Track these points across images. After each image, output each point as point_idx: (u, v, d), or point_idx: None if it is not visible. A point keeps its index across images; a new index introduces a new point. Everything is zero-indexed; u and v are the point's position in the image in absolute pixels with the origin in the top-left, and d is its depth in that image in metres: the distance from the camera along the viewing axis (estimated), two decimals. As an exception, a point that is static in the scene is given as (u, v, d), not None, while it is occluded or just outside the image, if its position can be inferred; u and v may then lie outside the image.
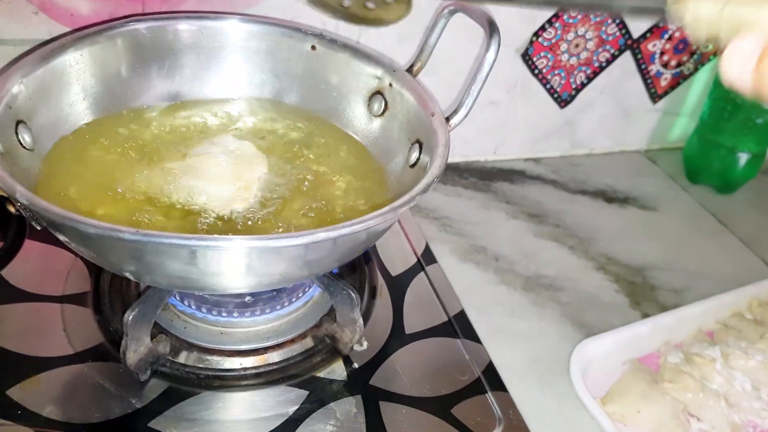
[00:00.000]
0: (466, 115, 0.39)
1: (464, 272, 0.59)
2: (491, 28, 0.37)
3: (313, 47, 0.44)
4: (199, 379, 0.37)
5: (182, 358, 0.38)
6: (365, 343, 0.40)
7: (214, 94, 0.46)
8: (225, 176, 0.40)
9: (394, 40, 0.60)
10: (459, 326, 0.44)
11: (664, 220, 0.71)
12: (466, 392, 0.39)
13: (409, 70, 0.43)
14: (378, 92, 0.43)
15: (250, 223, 0.37)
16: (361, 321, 0.38)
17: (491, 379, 0.41)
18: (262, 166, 0.41)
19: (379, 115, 0.43)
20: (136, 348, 0.34)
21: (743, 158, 0.74)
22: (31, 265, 0.43)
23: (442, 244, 0.61)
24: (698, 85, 0.78)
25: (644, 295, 0.60)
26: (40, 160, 0.37)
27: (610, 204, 0.72)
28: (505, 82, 0.68)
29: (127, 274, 0.31)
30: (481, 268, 0.60)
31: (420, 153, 0.39)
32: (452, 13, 0.40)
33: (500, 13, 0.61)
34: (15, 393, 0.34)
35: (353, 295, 0.37)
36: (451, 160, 0.71)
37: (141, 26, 0.42)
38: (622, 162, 0.80)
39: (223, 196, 0.38)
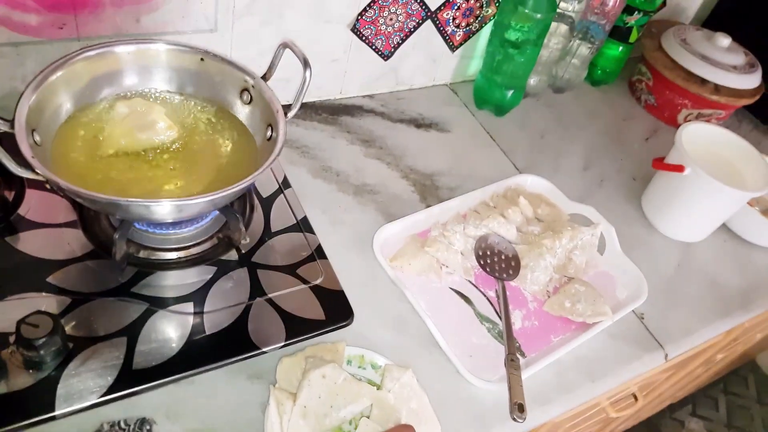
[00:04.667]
0: (296, 112, 0.68)
1: (316, 185, 0.90)
2: (305, 64, 0.65)
3: (202, 59, 0.70)
4: (154, 265, 0.67)
5: (142, 254, 0.68)
6: (248, 239, 0.71)
7: (143, 88, 0.72)
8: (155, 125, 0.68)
9: (253, 56, 0.86)
10: (302, 226, 0.77)
11: (454, 139, 1.05)
12: (304, 261, 0.73)
13: (264, 77, 0.70)
14: (245, 89, 0.71)
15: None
16: (244, 229, 0.69)
17: (319, 253, 0.75)
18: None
19: (248, 104, 0.72)
20: (119, 251, 0.63)
21: (510, 92, 1.08)
22: (34, 205, 0.69)
23: (301, 166, 0.92)
24: (484, 37, 1.09)
25: (431, 193, 0.95)
26: (46, 151, 0.62)
27: (419, 129, 1.05)
28: (342, 46, 0.96)
29: (113, 216, 0.59)
30: (327, 181, 0.91)
31: (272, 132, 0.68)
32: (284, 47, 0.68)
33: (333, 1, 0.88)
34: (52, 279, 0.63)
35: (238, 216, 0.67)
36: (308, 99, 1.01)
37: (91, 53, 0.66)
38: (433, 94, 1.12)
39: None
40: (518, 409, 0.67)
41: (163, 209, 0.57)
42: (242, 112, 0.72)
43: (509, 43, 0.99)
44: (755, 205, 0.99)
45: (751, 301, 0.94)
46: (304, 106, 1.00)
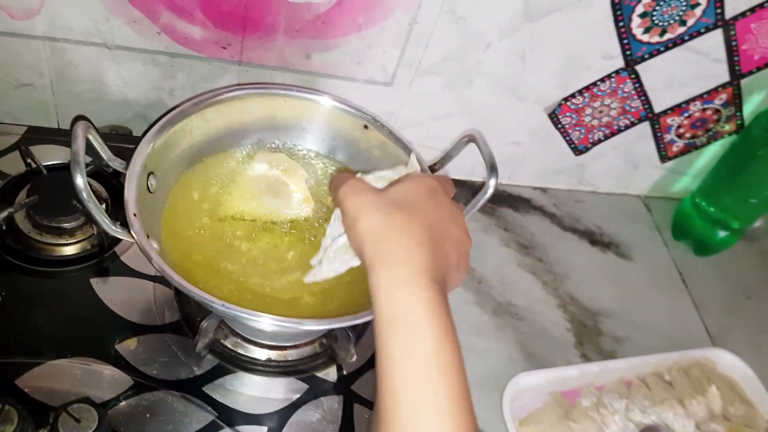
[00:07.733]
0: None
1: (450, 290, 0.74)
2: (492, 170, 0.49)
3: (366, 126, 0.57)
4: (238, 361, 0.54)
5: (229, 343, 0.55)
6: (355, 357, 0.56)
7: (284, 142, 0.60)
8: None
9: (422, 120, 0.73)
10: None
11: (634, 269, 0.83)
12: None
13: (432, 167, 0.55)
14: (406, 175, 0.56)
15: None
16: (353, 350, 0.54)
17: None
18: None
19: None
20: (204, 340, 0.51)
21: (723, 233, 0.84)
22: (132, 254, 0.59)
23: (440, 261, 0.76)
24: (708, 155, 0.87)
25: (590, 338, 0.74)
26: (161, 198, 0.51)
27: (594, 246, 0.84)
28: (528, 130, 0.78)
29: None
30: (464, 288, 0.74)
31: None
32: (468, 142, 0.52)
33: (537, 78, 0.72)
34: (121, 347, 0.52)
35: (350, 335, 0.53)
36: (465, 177, 0.84)
37: (241, 93, 0.55)
38: (621, 204, 0.91)
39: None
40: None
41: (263, 325, 0.43)
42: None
43: (748, 173, 0.76)
44: None
45: None
46: (457, 183, 0.84)
